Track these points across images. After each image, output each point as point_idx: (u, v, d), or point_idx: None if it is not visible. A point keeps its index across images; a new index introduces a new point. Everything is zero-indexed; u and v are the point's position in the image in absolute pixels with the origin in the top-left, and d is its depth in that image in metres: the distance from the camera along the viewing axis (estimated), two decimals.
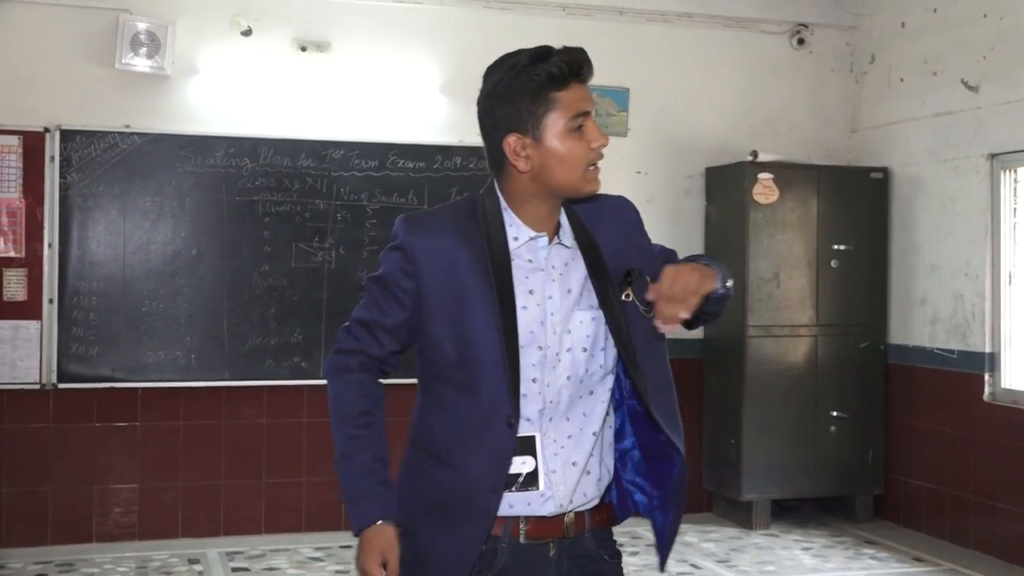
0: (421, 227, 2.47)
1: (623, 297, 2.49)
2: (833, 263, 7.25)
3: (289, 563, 6.34)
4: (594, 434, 2.48)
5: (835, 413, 7.23)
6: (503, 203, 2.49)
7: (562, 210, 2.54)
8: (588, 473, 2.48)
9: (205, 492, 6.79)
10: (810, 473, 7.21)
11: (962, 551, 6.67)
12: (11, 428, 6.51)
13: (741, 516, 7.23)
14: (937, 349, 7.00)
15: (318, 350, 6.77)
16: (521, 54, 2.44)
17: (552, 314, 2.45)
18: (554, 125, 2.40)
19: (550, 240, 2.50)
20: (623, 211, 2.65)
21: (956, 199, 6.89)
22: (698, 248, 7.53)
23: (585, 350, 2.47)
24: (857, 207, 7.34)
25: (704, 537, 6.99)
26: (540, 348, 2.44)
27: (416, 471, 2.51)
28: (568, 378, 2.45)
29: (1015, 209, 6.61)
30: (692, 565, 6.38)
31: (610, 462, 2.55)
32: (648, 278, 2.48)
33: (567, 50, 2.44)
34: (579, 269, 2.50)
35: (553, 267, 2.49)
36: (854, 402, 7.29)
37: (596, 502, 2.52)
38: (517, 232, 2.47)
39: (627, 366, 2.47)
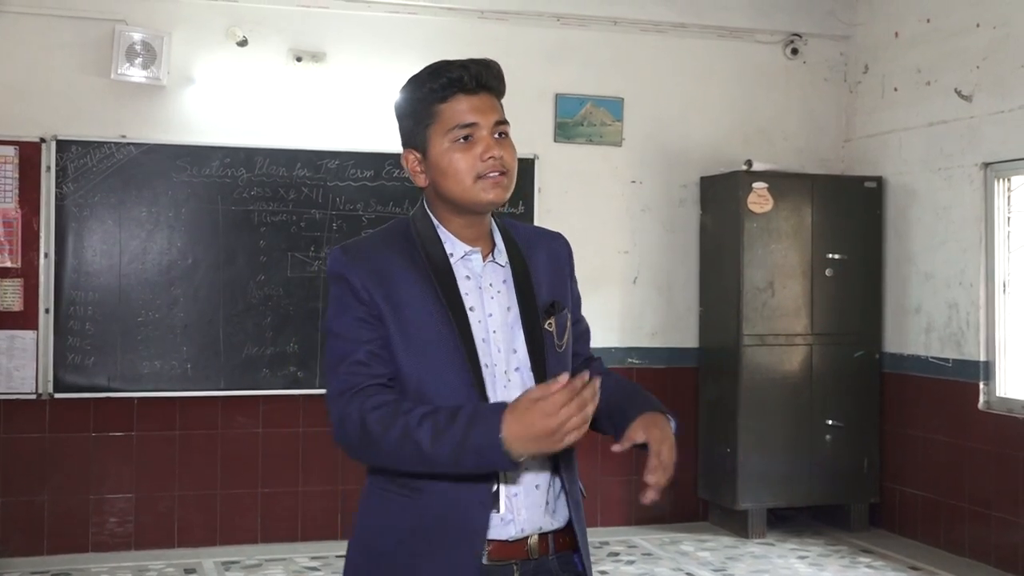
0: (359, 254, 2.41)
1: (545, 326, 2.47)
2: (828, 272, 7.26)
3: (285, 573, 6.34)
4: (551, 457, 2.41)
5: (830, 422, 7.24)
6: (434, 220, 2.47)
7: (496, 228, 2.53)
8: (551, 497, 2.43)
9: (201, 502, 6.79)
10: (805, 482, 7.22)
11: (957, 559, 6.68)
12: (7, 438, 6.51)
13: (737, 525, 7.24)
14: (932, 358, 7.02)
15: (314, 360, 6.78)
16: (424, 68, 2.42)
17: (494, 332, 2.42)
18: (435, 138, 2.39)
19: (484, 257, 2.47)
20: (556, 244, 2.64)
21: (950, 208, 6.92)
22: (693, 258, 7.56)
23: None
24: (851, 216, 7.36)
25: (700, 546, 6.99)
26: (487, 366, 2.39)
27: (386, 503, 2.41)
28: None
29: (1009, 218, 6.63)
30: (688, 574, 6.39)
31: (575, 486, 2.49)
32: (568, 314, 2.53)
33: (457, 62, 2.40)
34: (514, 288, 2.48)
35: (491, 284, 2.46)
36: (849, 411, 7.30)
37: (560, 525, 2.46)
38: (452, 247, 2.45)
39: None
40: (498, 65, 2.46)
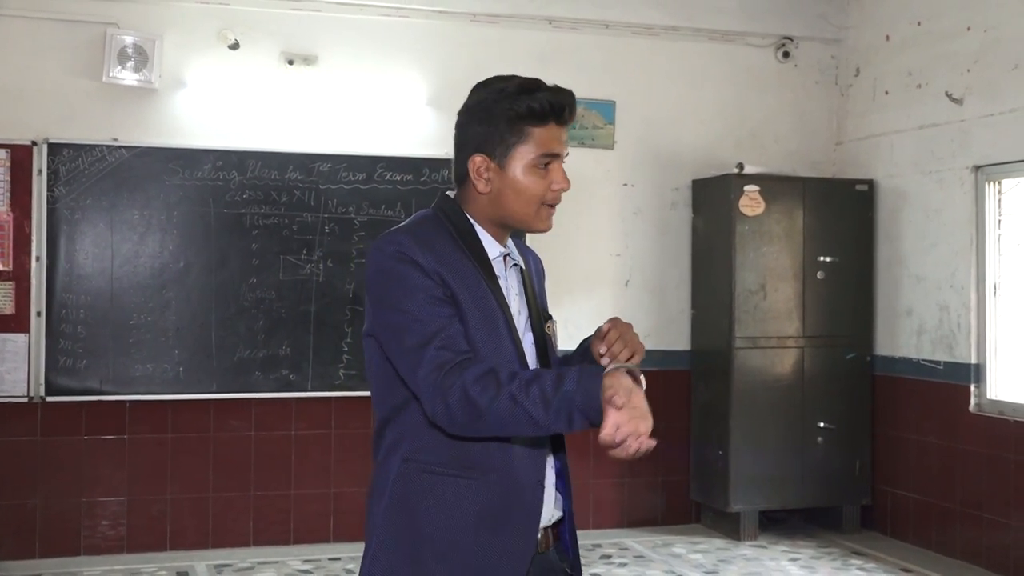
0: (420, 238, 2.42)
1: (546, 330, 2.57)
2: (819, 275, 7.27)
3: (277, 575, 6.35)
4: (550, 453, 2.50)
5: (822, 424, 7.25)
6: (470, 219, 2.51)
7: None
8: (553, 491, 2.52)
9: (193, 505, 6.78)
10: (797, 484, 7.23)
11: (949, 561, 6.69)
12: None
13: (729, 527, 7.24)
14: (923, 360, 7.03)
15: (306, 362, 6.78)
16: (512, 80, 2.47)
17: None
18: (521, 157, 2.44)
19: (504, 261, 2.54)
20: (538, 262, 2.76)
21: (941, 211, 6.93)
22: (685, 260, 7.57)
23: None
24: (843, 219, 7.38)
25: (692, 548, 7.00)
26: None
27: (439, 486, 2.40)
28: None
29: (999, 220, 6.65)
30: None
31: (567, 481, 2.57)
32: (554, 324, 2.64)
33: (556, 90, 2.46)
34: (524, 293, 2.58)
35: (510, 288, 2.53)
36: (841, 413, 7.31)
37: (560, 516, 2.54)
38: (489, 247, 2.50)
39: None
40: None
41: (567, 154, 2.51)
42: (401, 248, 2.38)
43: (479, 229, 2.50)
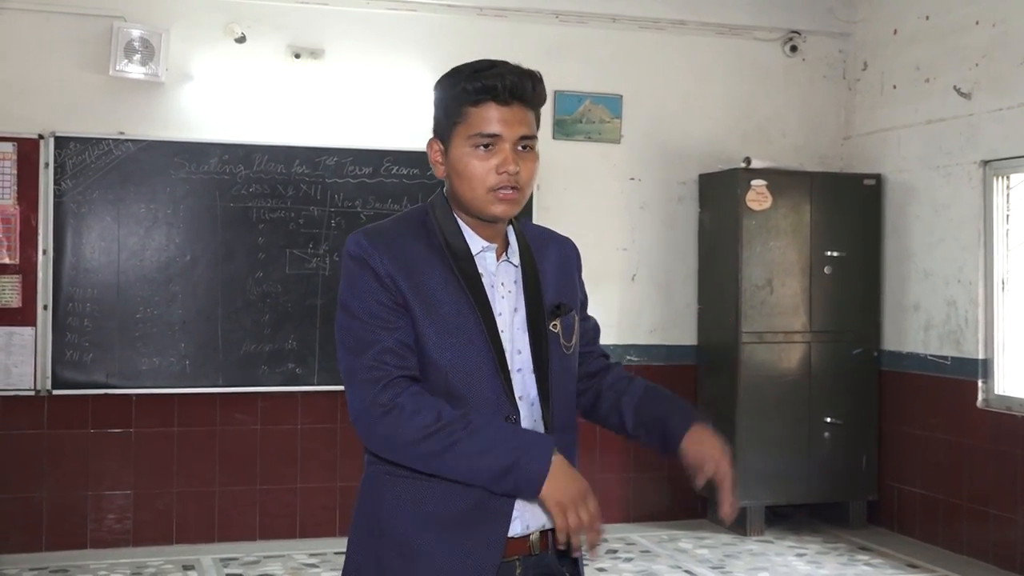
0: (382, 240, 2.38)
1: (550, 327, 2.48)
2: (826, 269, 7.26)
3: (283, 569, 6.34)
4: None
5: (829, 419, 7.24)
6: (454, 211, 2.46)
7: (511, 228, 2.53)
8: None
9: (199, 498, 6.79)
10: (804, 479, 7.22)
11: (956, 557, 6.68)
12: (5, 434, 6.51)
13: (735, 522, 7.23)
14: (930, 355, 7.02)
15: (312, 356, 6.78)
16: (468, 64, 2.42)
17: (502, 331, 2.41)
18: (458, 139, 2.39)
19: (498, 256, 2.47)
20: (566, 248, 2.67)
21: (949, 206, 6.91)
22: (691, 255, 7.56)
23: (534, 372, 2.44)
24: (850, 214, 7.36)
25: (698, 543, 6.99)
26: None
27: (403, 489, 2.37)
28: (520, 398, 2.41)
29: (1008, 216, 6.63)
30: (686, 572, 6.39)
31: None
32: (575, 315, 2.56)
33: (502, 70, 2.37)
34: (523, 289, 2.48)
35: (502, 284, 2.46)
36: (848, 408, 7.30)
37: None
38: (471, 241, 2.44)
39: (540, 396, 2.44)
40: (539, 78, 2.43)
41: (525, 136, 2.38)
42: (357, 249, 2.37)
43: (461, 222, 2.45)
